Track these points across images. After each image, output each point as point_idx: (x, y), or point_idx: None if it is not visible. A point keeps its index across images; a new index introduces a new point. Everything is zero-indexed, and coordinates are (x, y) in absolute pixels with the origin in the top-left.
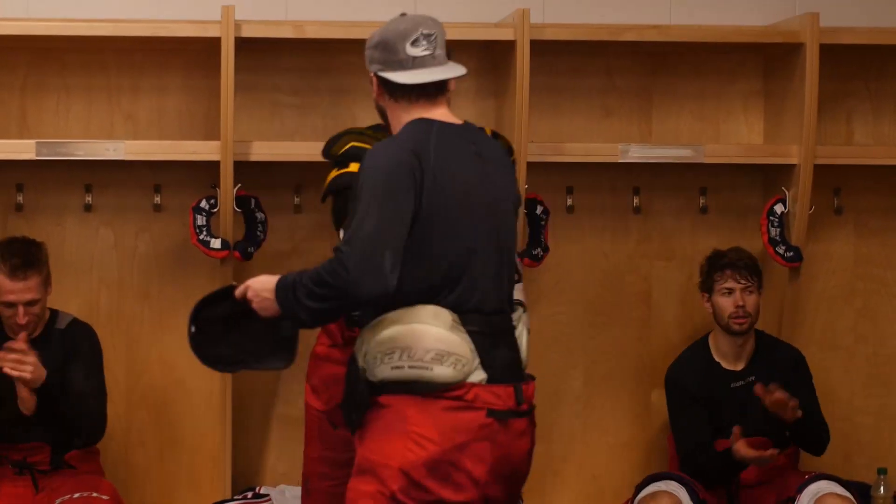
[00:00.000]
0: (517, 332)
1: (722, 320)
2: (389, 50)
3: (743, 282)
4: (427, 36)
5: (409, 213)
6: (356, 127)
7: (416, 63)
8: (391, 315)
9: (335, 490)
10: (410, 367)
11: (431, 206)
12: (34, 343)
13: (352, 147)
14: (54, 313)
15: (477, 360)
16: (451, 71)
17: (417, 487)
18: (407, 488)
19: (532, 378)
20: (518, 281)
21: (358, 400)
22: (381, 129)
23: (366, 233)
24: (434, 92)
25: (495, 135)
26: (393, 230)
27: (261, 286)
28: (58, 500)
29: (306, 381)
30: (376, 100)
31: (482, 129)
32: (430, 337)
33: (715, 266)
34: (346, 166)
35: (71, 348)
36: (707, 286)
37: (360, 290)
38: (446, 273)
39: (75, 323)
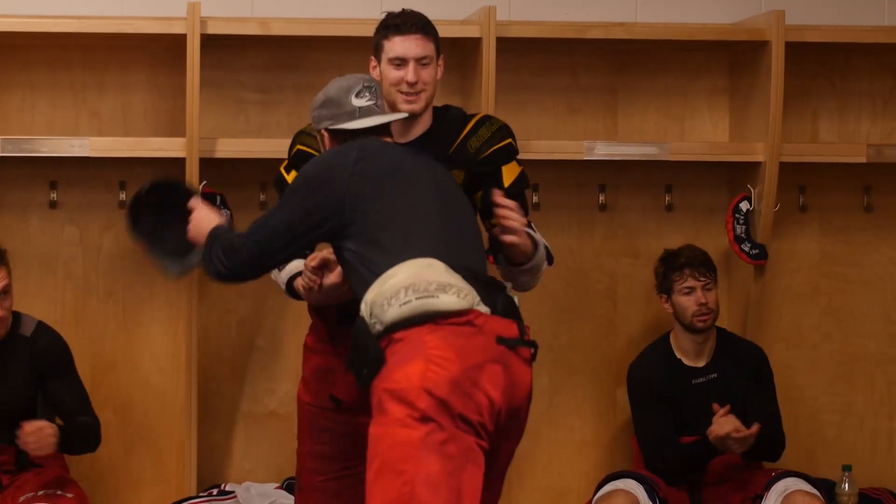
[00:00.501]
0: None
1: (685, 319)
2: (336, 105)
3: (703, 279)
4: (368, 87)
5: (316, 209)
6: (309, 126)
7: (362, 112)
8: (388, 272)
9: (326, 485)
10: (417, 298)
11: (366, 190)
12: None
13: (297, 151)
14: (16, 316)
15: (478, 297)
16: (396, 115)
17: (443, 406)
18: (434, 407)
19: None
20: None
21: (371, 356)
22: None
23: (263, 229)
24: (381, 135)
25: (486, 118)
26: (289, 229)
27: (203, 219)
28: (22, 498)
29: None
30: None
31: (462, 117)
32: (430, 274)
33: (672, 266)
34: (290, 171)
35: (44, 361)
36: (665, 287)
37: (238, 275)
38: (411, 242)
39: (41, 329)
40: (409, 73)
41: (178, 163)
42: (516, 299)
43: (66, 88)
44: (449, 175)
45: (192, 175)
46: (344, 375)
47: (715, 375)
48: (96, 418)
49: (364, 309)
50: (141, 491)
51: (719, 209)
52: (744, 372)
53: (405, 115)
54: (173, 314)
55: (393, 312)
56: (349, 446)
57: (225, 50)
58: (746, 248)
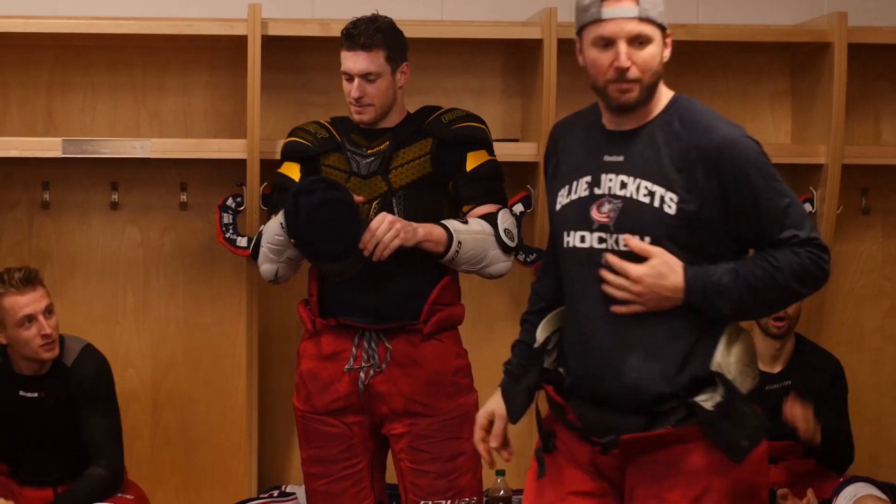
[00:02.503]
0: None
1: (762, 322)
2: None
3: None
4: None
5: None
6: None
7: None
8: (735, 326)
9: (329, 488)
10: (753, 376)
11: None
12: (42, 381)
13: (286, 143)
14: (61, 343)
15: None
16: None
17: None
18: None
19: None
20: None
21: (754, 425)
22: (331, 122)
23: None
24: None
25: (469, 115)
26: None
27: (656, 277)
28: None
29: None
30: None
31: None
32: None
33: None
34: (282, 164)
35: (79, 391)
36: None
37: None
38: None
39: (82, 357)
40: (353, 88)
41: (239, 164)
42: None
43: (128, 90)
44: None
45: (253, 176)
46: (328, 378)
47: (789, 382)
48: (117, 462)
49: (723, 363)
50: (201, 492)
51: None
52: (818, 382)
53: None
54: (234, 315)
55: (748, 384)
56: (344, 446)
57: (286, 51)
58: None
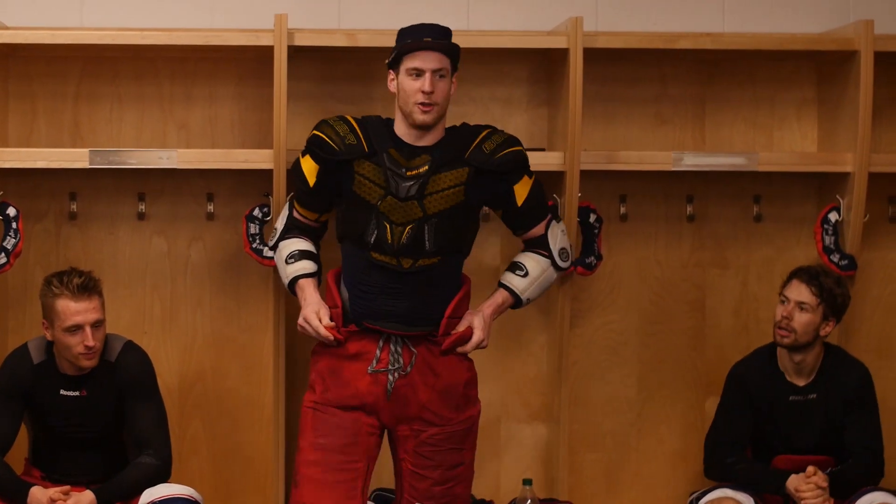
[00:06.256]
0: None
1: (774, 331)
2: None
3: (802, 296)
4: None
5: None
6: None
7: None
8: None
9: (325, 476)
10: None
11: None
12: (84, 380)
13: (312, 136)
14: (106, 340)
15: None
16: None
17: None
18: None
19: None
20: None
21: None
22: (362, 123)
23: None
24: None
25: (495, 129)
26: None
27: None
28: None
29: None
30: None
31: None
32: None
33: (790, 274)
34: (304, 155)
35: (124, 383)
36: (780, 294)
37: None
38: None
39: (126, 351)
40: (426, 82)
41: (266, 174)
42: None
43: (154, 100)
44: None
45: (280, 186)
46: (350, 376)
47: (814, 396)
48: (165, 452)
49: None
50: (229, 501)
51: (808, 220)
52: (845, 394)
53: None
54: (261, 324)
55: None
56: (350, 441)
57: (312, 61)
58: (835, 259)
